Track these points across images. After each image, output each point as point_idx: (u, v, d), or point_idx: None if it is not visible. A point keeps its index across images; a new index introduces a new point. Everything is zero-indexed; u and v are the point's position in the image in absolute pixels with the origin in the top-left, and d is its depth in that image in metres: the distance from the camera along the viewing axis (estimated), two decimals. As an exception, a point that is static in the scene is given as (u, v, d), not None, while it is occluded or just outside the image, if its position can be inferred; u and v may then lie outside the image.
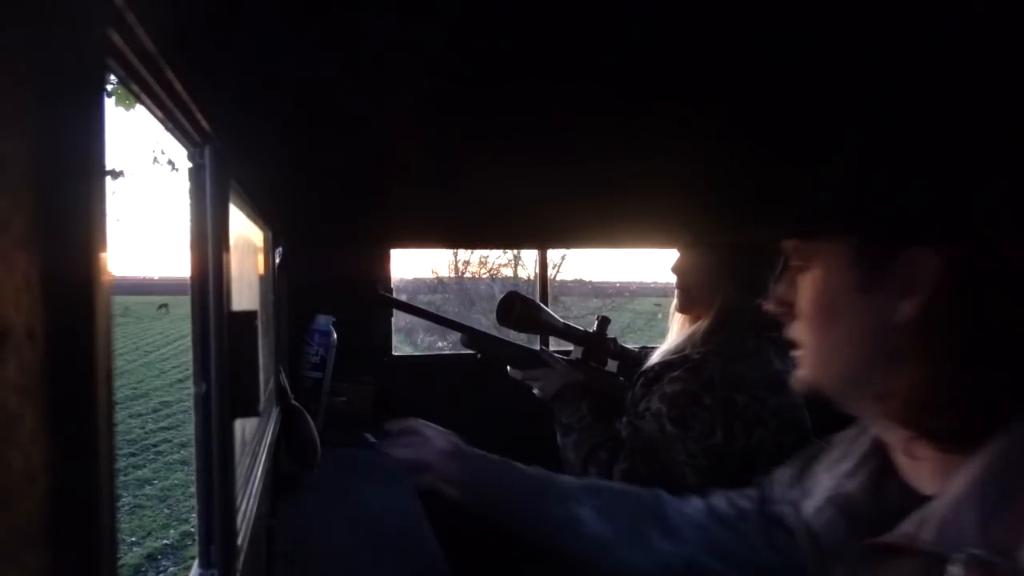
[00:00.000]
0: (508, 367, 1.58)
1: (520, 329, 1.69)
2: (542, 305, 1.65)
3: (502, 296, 1.65)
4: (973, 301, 0.53)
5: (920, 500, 0.56)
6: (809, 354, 0.65)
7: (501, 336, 1.68)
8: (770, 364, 1.29)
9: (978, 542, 0.48)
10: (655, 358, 1.42)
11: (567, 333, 1.64)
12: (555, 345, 1.97)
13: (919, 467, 0.59)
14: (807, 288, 0.64)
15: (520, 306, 1.58)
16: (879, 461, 0.65)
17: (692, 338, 1.36)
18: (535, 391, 1.54)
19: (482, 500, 0.90)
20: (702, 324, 1.37)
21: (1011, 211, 0.55)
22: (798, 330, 0.66)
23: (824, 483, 0.71)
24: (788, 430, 1.24)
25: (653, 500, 0.87)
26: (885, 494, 0.63)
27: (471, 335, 1.64)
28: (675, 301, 1.46)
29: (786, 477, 0.80)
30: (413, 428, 0.99)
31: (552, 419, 1.48)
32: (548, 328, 1.64)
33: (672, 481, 1.19)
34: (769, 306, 0.70)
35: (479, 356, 1.61)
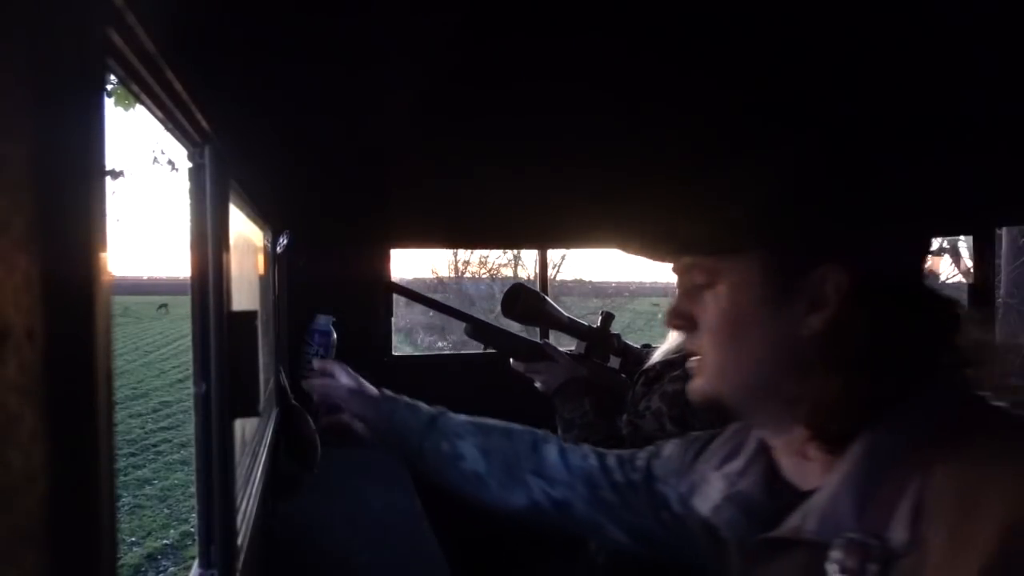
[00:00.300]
0: (511, 359, 1.57)
1: (524, 321, 1.69)
2: (547, 298, 1.65)
3: (507, 289, 1.65)
4: (873, 313, 0.58)
5: (805, 496, 0.61)
6: (713, 366, 0.66)
7: (505, 329, 1.67)
8: None
9: (854, 528, 0.54)
10: (656, 357, 1.42)
11: (571, 327, 1.63)
12: (554, 341, 1.97)
13: (806, 466, 0.63)
14: (713, 303, 0.65)
15: (525, 297, 1.58)
16: (766, 461, 0.69)
17: None
18: (537, 385, 1.53)
19: (383, 436, 0.98)
20: None
21: (901, 229, 0.61)
22: (701, 342, 0.68)
23: (715, 481, 0.74)
24: None
25: (533, 441, 0.93)
26: (777, 492, 0.67)
27: (475, 325, 1.63)
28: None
29: (673, 462, 0.83)
30: (325, 369, 1.07)
31: (553, 415, 1.48)
32: (552, 321, 1.63)
33: None
34: (667, 320, 0.71)
35: (484, 348, 1.60)
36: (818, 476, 0.61)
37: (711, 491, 0.74)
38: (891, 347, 0.57)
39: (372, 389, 1.04)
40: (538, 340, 1.73)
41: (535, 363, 1.52)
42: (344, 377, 1.04)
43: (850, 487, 0.56)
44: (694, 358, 0.70)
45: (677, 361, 1.31)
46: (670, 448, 0.85)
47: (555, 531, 0.90)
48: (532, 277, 11.34)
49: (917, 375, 0.57)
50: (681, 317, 0.69)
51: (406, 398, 1.02)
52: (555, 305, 1.64)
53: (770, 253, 0.62)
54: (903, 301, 0.59)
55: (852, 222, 0.60)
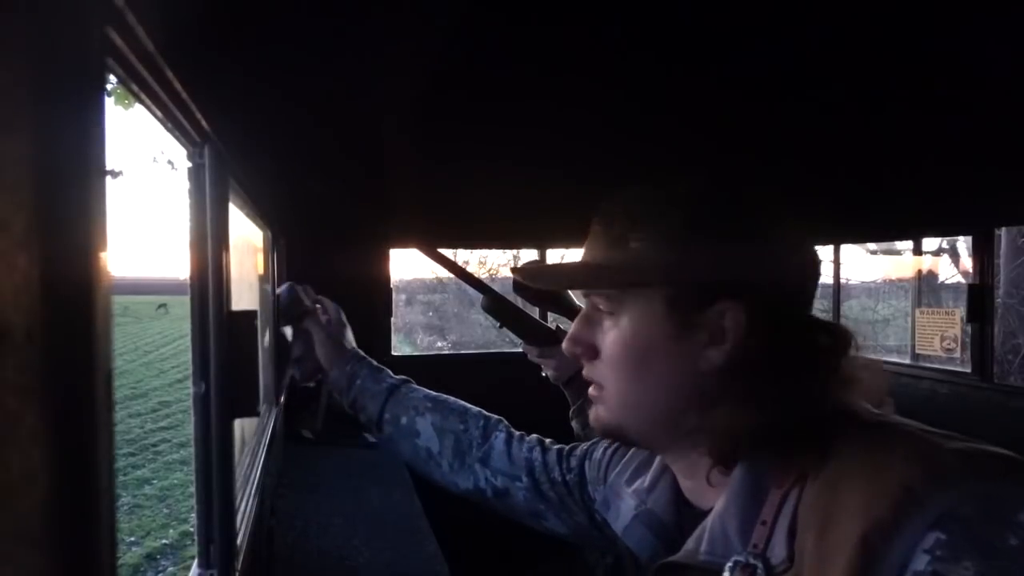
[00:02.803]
0: (523, 343, 1.52)
1: (536, 301, 1.65)
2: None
3: (521, 265, 1.62)
4: (770, 345, 0.59)
5: (697, 516, 0.63)
6: (614, 396, 0.66)
7: (523, 309, 1.63)
8: None
9: (741, 549, 0.55)
10: None
11: (577, 312, 1.60)
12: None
13: (706, 489, 0.65)
14: (616, 333, 0.65)
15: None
16: (672, 479, 0.71)
17: None
18: (547, 373, 1.47)
19: (344, 395, 1.02)
20: None
21: (795, 268, 0.63)
22: (599, 371, 0.68)
23: (626, 498, 0.75)
24: None
25: (484, 426, 0.97)
26: (682, 513, 0.69)
27: (493, 299, 1.58)
28: None
29: (598, 468, 0.84)
30: (323, 302, 1.12)
31: (553, 410, 1.46)
32: (563, 305, 1.59)
33: None
34: (571, 346, 0.70)
35: (498, 325, 1.56)
36: (716, 497, 0.62)
37: (623, 508, 0.76)
38: (787, 376, 0.58)
39: (350, 341, 1.08)
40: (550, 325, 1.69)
41: (548, 349, 1.45)
42: (334, 315, 1.09)
43: (735, 509, 0.57)
44: (592, 387, 0.70)
45: None
46: (599, 451, 0.86)
47: (501, 515, 0.94)
48: (532, 277, 11.28)
49: (808, 399, 0.58)
50: (580, 344, 0.69)
51: (373, 361, 1.05)
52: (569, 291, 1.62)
53: (671, 287, 0.62)
54: (796, 331, 0.61)
55: (744, 262, 0.62)
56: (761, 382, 0.59)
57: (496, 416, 1.01)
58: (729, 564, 0.55)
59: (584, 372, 0.70)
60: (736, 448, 0.59)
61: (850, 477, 0.51)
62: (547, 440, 0.95)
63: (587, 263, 0.68)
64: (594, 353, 0.68)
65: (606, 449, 0.84)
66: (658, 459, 0.73)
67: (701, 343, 0.62)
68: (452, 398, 1.02)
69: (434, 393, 1.03)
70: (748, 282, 0.61)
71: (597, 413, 0.69)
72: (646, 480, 0.74)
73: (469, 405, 1.02)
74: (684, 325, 0.62)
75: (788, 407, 0.57)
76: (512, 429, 0.98)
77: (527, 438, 0.96)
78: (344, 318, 1.16)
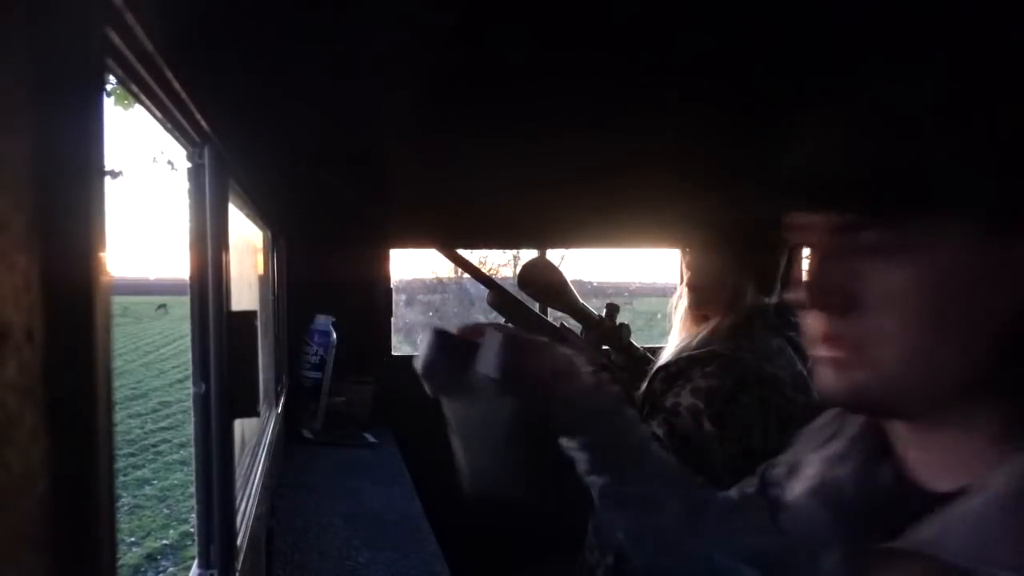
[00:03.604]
0: None
1: (540, 298, 1.64)
2: (567, 278, 1.61)
3: (528, 260, 1.61)
4: None
5: (926, 498, 0.50)
6: (894, 355, 0.52)
7: (529, 307, 1.62)
8: (795, 364, 1.29)
9: (1010, 562, 0.42)
10: (670, 353, 1.40)
11: (582, 313, 1.61)
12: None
13: (932, 461, 0.53)
14: (905, 273, 0.50)
15: (549, 272, 1.55)
16: (871, 445, 0.59)
17: (715, 335, 1.34)
18: None
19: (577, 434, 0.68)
20: (723, 321, 1.35)
21: None
22: (864, 326, 0.52)
23: (812, 465, 0.63)
24: None
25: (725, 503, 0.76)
26: (879, 485, 0.56)
27: (499, 295, 1.58)
28: (682, 298, 1.45)
29: (784, 459, 0.72)
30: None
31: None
32: (566, 303, 1.59)
33: (708, 482, 1.17)
34: (816, 296, 0.54)
35: (505, 320, 1.56)
36: (949, 474, 0.50)
37: (806, 475, 0.62)
38: None
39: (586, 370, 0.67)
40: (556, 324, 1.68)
41: None
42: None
43: (1014, 505, 0.43)
44: (833, 348, 0.54)
45: (705, 357, 1.29)
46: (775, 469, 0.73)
47: (557, 531, 0.85)
48: (532, 277, 11.31)
49: None
50: (832, 292, 0.53)
51: (614, 400, 0.69)
52: (573, 288, 1.62)
53: (985, 213, 0.49)
54: None
55: None
56: None
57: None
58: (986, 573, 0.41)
59: (829, 329, 0.54)
60: None
61: None
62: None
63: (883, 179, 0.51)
64: (850, 303, 0.52)
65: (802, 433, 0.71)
66: (858, 423, 0.61)
67: (1017, 280, 0.48)
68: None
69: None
70: None
71: (853, 380, 0.53)
72: (839, 446, 0.61)
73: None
74: (1001, 258, 0.49)
75: None
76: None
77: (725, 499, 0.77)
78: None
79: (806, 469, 0.64)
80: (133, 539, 4.41)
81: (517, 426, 0.60)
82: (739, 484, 0.78)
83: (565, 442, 0.68)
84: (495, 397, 0.59)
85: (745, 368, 1.23)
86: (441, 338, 0.60)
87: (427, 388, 0.62)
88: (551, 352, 0.62)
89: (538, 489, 0.66)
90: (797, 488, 0.64)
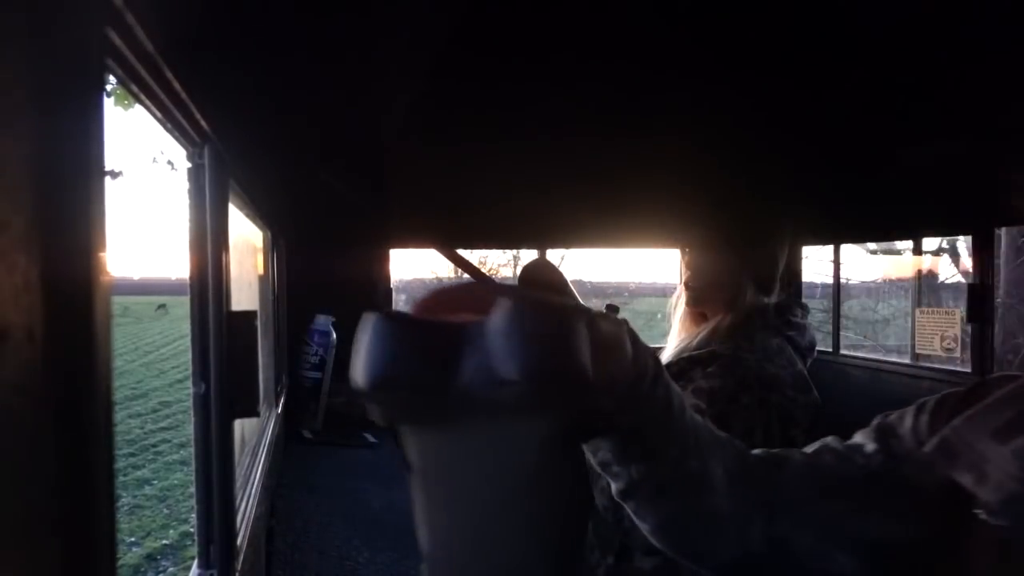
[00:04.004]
0: None
1: None
2: (567, 279, 1.61)
3: (529, 261, 1.62)
4: None
5: None
6: None
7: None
8: (795, 363, 1.29)
9: None
10: (670, 354, 1.40)
11: None
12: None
13: None
14: None
15: (550, 274, 1.55)
16: None
17: (715, 335, 1.34)
18: None
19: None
20: (723, 321, 1.35)
21: None
22: None
23: (1000, 460, 0.55)
24: (815, 431, 1.23)
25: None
26: None
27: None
28: (682, 298, 1.45)
29: (919, 429, 0.62)
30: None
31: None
32: None
33: None
34: None
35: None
36: None
37: (994, 472, 0.56)
38: None
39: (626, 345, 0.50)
40: None
41: None
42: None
43: None
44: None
45: (705, 358, 1.29)
46: (899, 418, 0.64)
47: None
48: (532, 277, 11.30)
49: None
50: None
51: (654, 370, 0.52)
52: (573, 289, 1.62)
53: None
54: None
55: None
56: None
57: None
58: None
59: None
60: None
61: None
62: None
63: None
64: None
65: (933, 411, 0.62)
66: None
67: None
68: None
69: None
70: None
71: None
72: None
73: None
74: None
75: None
76: None
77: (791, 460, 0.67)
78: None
79: (996, 463, 0.55)
80: (133, 539, 4.41)
81: (551, 463, 0.33)
82: (821, 449, 0.65)
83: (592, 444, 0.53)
84: (513, 417, 0.33)
85: (746, 368, 1.23)
86: (398, 327, 0.33)
87: (376, 414, 0.35)
88: (591, 319, 0.38)
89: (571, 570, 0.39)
90: (991, 484, 0.55)
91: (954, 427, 0.58)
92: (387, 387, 0.33)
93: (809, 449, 0.66)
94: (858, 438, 0.65)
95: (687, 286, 1.42)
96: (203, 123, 0.58)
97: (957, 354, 2.91)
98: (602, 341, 0.39)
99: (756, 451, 0.64)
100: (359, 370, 0.33)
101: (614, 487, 0.56)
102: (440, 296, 0.38)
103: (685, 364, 1.31)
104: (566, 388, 0.33)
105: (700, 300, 1.41)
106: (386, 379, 0.33)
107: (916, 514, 0.59)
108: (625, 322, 0.47)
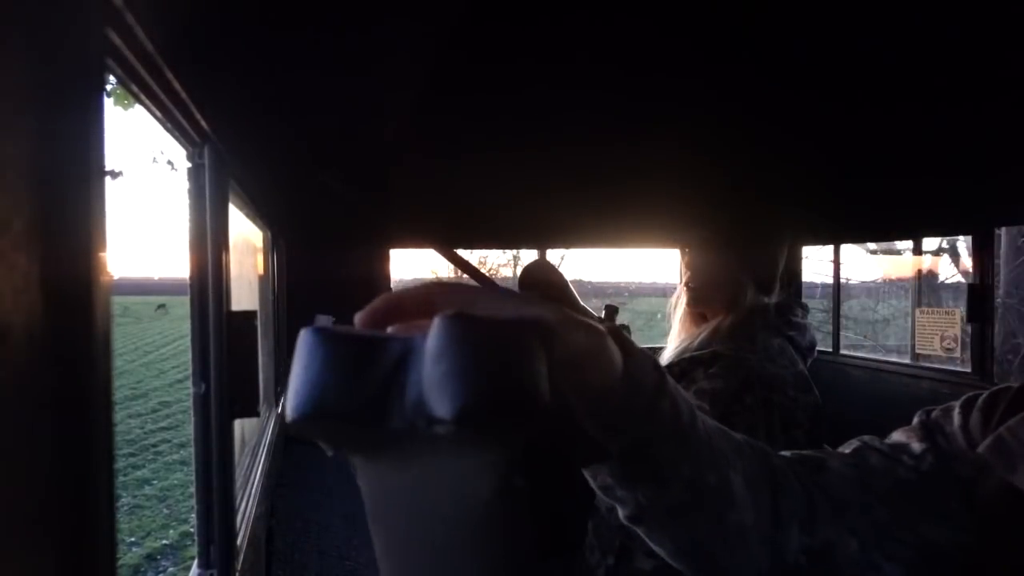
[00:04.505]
0: None
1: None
2: (567, 280, 1.62)
3: (530, 262, 1.62)
4: None
5: None
6: None
7: None
8: (796, 363, 1.29)
9: None
10: (670, 354, 1.40)
11: (584, 315, 1.61)
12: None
13: None
14: None
15: (550, 275, 1.55)
16: None
17: (716, 335, 1.34)
18: None
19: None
20: (723, 321, 1.35)
21: None
22: None
23: None
24: (816, 431, 1.23)
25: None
26: None
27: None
28: (682, 298, 1.45)
29: (970, 428, 0.59)
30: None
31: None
32: (569, 305, 1.59)
33: None
34: None
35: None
36: None
37: None
38: None
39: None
40: None
41: None
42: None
43: None
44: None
45: (707, 358, 1.29)
46: (947, 414, 0.61)
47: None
48: (532, 277, 11.32)
49: None
50: None
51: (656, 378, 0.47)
52: (574, 291, 1.62)
53: None
54: None
55: None
56: None
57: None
58: None
59: None
60: None
61: None
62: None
63: None
64: None
65: (984, 409, 0.60)
66: None
67: None
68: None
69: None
70: None
71: None
72: None
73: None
74: None
75: None
76: None
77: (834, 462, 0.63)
78: None
79: None
80: (133, 539, 4.41)
81: (507, 501, 0.29)
82: (858, 450, 0.61)
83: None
84: (454, 452, 0.28)
85: (748, 369, 1.23)
86: (330, 346, 0.29)
87: (320, 441, 0.31)
88: (550, 333, 0.31)
89: None
90: None
91: (1010, 427, 0.55)
92: (315, 417, 0.28)
93: (847, 449, 0.62)
94: (900, 436, 0.61)
95: (688, 286, 1.42)
96: (203, 123, 0.58)
97: (957, 354, 2.91)
98: (572, 358, 0.35)
99: (785, 453, 0.59)
100: (288, 398, 0.29)
101: (620, 513, 0.50)
102: (397, 300, 0.33)
103: (687, 365, 1.31)
104: (512, 420, 0.27)
105: (701, 300, 1.41)
106: (314, 409, 0.28)
107: (969, 517, 0.55)
108: (615, 329, 0.42)
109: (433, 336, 0.27)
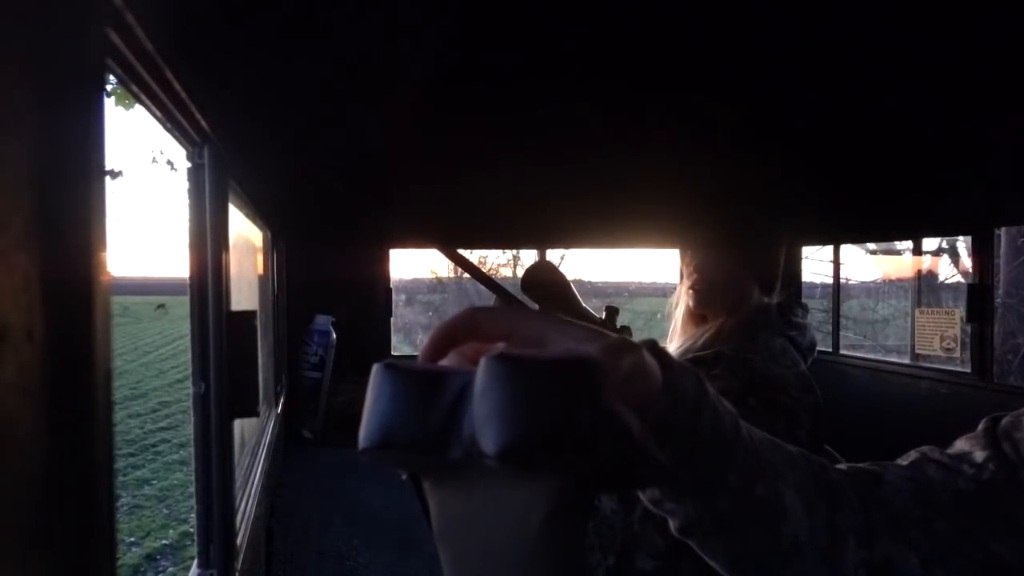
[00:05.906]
0: None
1: (542, 302, 1.65)
2: (570, 282, 1.62)
3: (532, 263, 1.62)
4: None
5: None
6: None
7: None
8: (799, 363, 1.29)
9: None
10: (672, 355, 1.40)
11: (584, 316, 1.61)
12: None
13: None
14: None
15: (553, 276, 1.55)
16: None
17: (719, 336, 1.34)
18: None
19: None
20: (726, 322, 1.35)
21: None
22: None
23: None
24: (816, 431, 1.23)
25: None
26: None
27: (504, 299, 1.61)
28: (682, 298, 1.44)
29: None
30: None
31: None
32: (570, 306, 1.59)
33: None
34: None
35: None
36: None
37: None
38: None
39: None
40: None
41: None
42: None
43: None
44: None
45: (710, 359, 1.29)
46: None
47: None
48: (531, 277, 11.31)
49: None
50: None
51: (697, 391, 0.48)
52: (576, 292, 1.62)
53: None
54: None
55: None
56: None
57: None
58: None
59: None
60: None
61: None
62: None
63: None
64: None
65: None
66: None
67: None
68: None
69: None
70: None
71: None
72: None
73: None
74: None
75: None
76: None
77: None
78: None
79: None
80: (133, 539, 4.41)
81: (558, 528, 0.31)
82: (918, 460, 0.59)
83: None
84: (508, 484, 0.30)
85: (752, 369, 1.23)
86: (397, 381, 0.32)
87: (392, 466, 0.34)
88: (598, 365, 0.31)
89: None
90: None
91: None
92: (383, 447, 0.31)
93: (905, 461, 0.60)
94: (963, 445, 0.60)
95: (693, 289, 1.42)
96: (203, 123, 0.58)
97: (957, 354, 2.92)
98: (620, 383, 0.35)
99: (842, 466, 0.58)
100: (361, 428, 0.32)
101: (672, 525, 0.50)
102: (452, 330, 0.36)
103: (689, 366, 1.31)
104: (555, 456, 0.29)
105: (706, 302, 1.41)
106: (382, 439, 0.31)
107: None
108: (653, 344, 0.43)
109: (480, 375, 0.29)
